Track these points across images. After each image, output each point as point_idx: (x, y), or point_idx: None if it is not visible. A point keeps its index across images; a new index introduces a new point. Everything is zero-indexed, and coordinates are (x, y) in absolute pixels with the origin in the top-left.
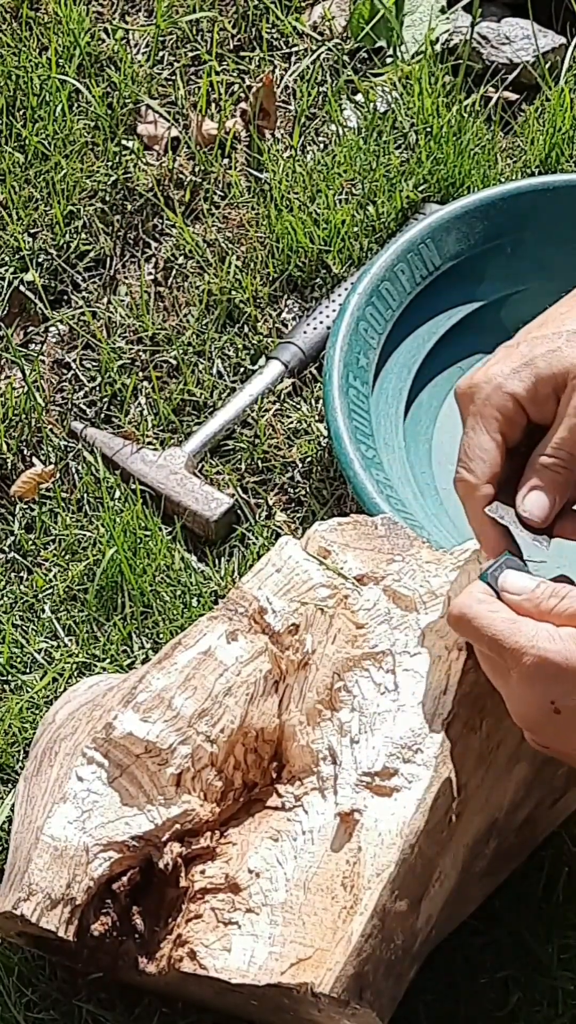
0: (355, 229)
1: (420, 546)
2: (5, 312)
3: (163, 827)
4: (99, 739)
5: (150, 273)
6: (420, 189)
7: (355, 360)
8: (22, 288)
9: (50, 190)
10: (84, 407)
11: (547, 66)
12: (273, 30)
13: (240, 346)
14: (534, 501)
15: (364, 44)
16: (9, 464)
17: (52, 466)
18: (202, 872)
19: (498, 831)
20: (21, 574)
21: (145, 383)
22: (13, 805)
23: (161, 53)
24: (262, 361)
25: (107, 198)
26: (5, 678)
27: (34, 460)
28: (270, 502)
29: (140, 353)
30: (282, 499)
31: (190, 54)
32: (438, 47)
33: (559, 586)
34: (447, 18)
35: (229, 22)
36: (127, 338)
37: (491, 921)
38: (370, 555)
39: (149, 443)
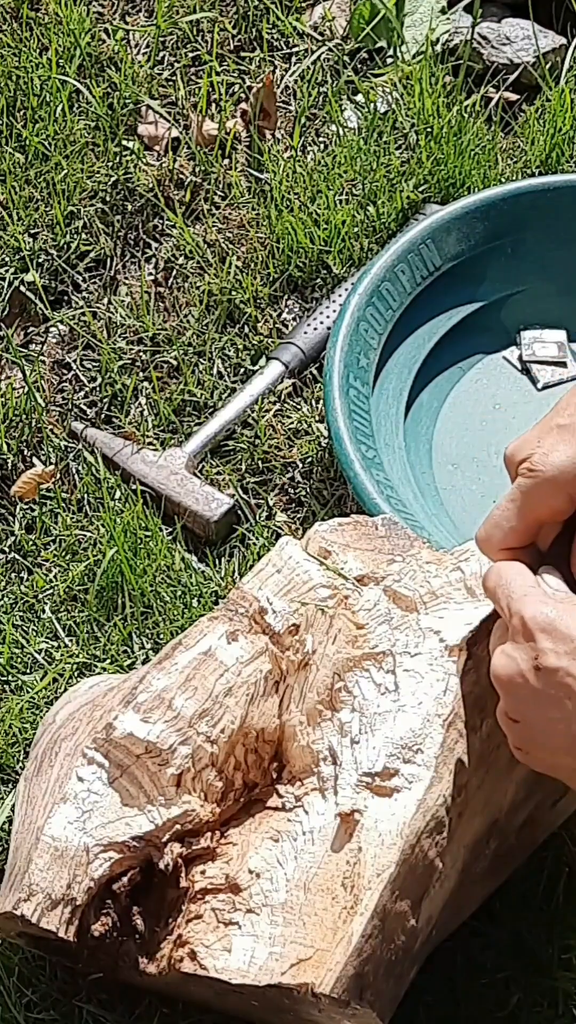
0: (355, 229)
1: (420, 546)
2: (5, 312)
3: (163, 827)
4: (99, 739)
5: (150, 273)
6: (420, 189)
7: (355, 360)
8: (22, 288)
9: (50, 190)
10: (84, 407)
11: (547, 66)
12: (273, 30)
13: (240, 346)
14: None
15: (364, 44)
16: (9, 464)
17: (52, 466)
18: (202, 872)
19: (498, 832)
20: (21, 574)
21: (145, 383)
22: (13, 805)
23: (161, 53)
24: (262, 361)
25: (107, 198)
26: (5, 678)
27: (34, 460)
28: (270, 502)
29: (140, 353)
30: (282, 499)
31: (190, 54)
32: (438, 47)
33: None
34: (447, 18)
35: (229, 22)
36: (127, 338)
37: (492, 922)
38: (370, 555)
39: (149, 443)
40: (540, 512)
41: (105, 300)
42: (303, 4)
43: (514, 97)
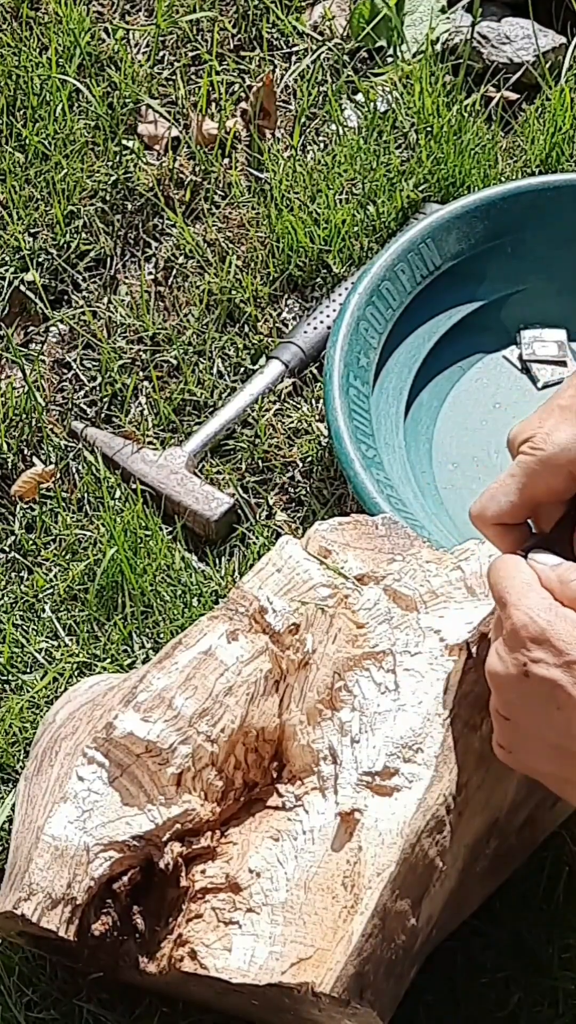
0: (355, 229)
1: (420, 546)
2: (5, 312)
3: (164, 827)
4: (100, 739)
5: (150, 273)
6: (420, 189)
7: (355, 360)
8: (22, 288)
9: (50, 190)
10: (84, 407)
11: (547, 65)
12: (273, 30)
13: (240, 346)
14: None
15: (364, 44)
16: (9, 464)
17: (52, 466)
18: (203, 872)
19: (499, 831)
20: (22, 574)
21: (145, 383)
22: (14, 805)
23: (161, 53)
24: (262, 361)
25: (107, 198)
26: (6, 678)
27: (34, 460)
28: (270, 502)
29: (140, 353)
30: (282, 499)
31: (190, 54)
32: (438, 47)
33: None
34: (447, 18)
35: (229, 22)
36: (127, 338)
37: (492, 921)
38: (370, 555)
39: (150, 443)
40: (539, 490)
41: (105, 299)
42: (303, 4)
43: (514, 96)
